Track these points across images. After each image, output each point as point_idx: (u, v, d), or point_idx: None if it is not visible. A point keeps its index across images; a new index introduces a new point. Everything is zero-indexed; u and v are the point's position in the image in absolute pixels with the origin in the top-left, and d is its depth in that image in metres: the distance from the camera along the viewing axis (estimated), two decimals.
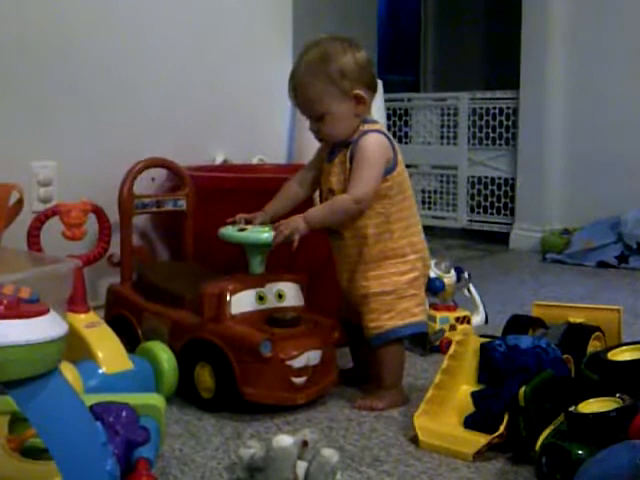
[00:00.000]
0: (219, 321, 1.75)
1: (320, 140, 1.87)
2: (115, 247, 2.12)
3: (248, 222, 1.86)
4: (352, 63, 1.78)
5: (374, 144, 1.78)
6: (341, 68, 1.77)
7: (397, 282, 1.81)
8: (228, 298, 1.76)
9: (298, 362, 1.71)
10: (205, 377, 1.74)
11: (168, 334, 1.85)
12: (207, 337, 1.75)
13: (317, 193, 2.07)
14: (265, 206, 1.91)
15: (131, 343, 1.87)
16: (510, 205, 4.21)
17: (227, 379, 1.71)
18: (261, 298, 1.80)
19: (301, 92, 1.81)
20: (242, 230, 1.82)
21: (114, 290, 2.09)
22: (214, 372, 1.73)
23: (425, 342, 2.21)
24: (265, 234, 1.79)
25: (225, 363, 1.71)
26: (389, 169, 1.78)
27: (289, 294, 1.85)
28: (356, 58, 1.79)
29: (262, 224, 1.85)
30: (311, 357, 1.74)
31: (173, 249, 2.50)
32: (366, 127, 1.81)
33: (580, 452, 1.32)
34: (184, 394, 1.79)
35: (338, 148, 1.82)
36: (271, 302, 1.82)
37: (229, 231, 1.82)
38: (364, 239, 1.80)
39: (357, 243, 1.81)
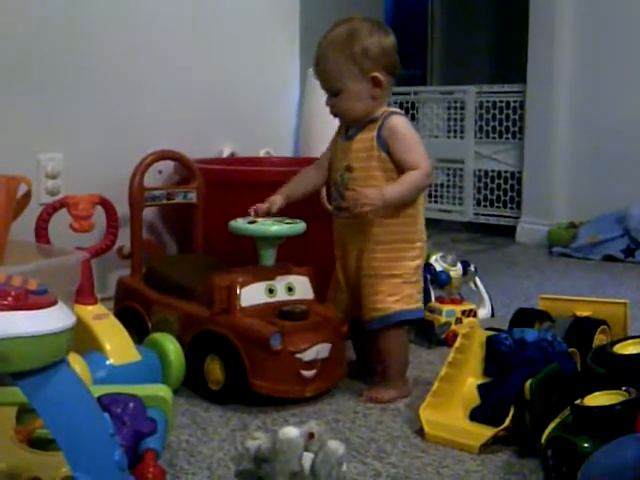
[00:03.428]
0: (229, 313, 1.75)
1: (335, 116, 1.88)
2: (125, 239, 2.13)
3: (269, 212, 1.87)
4: (377, 45, 1.80)
5: (407, 124, 1.83)
6: (365, 48, 1.78)
7: (406, 267, 1.82)
8: (238, 291, 1.76)
9: (307, 355, 1.72)
10: (214, 369, 1.75)
11: (178, 326, 1.86)
12: (217, 329, 1.75)
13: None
14: (280, 189, 1.92)
15: (141, 335, 1.88)
16: (517, 198, 4.19)
17: (236, 371, 1.71)
18: (271, 291, 1.80)
19: (322, 65, 1.83)
20: (252, 222, 1.82)
21: (124, 282, 2.10)
22: (224, 364, 1.73)
23: (431, 335, 2.21)
24: (275, 226, 1.80)
25: (235, 355, 1.71)
26: None
27: (299, 287, 1.85)
28: (382, 41, 1.81)
29: (274, 216, 1.86)
30: (320, 350, 1.74)
31: (181, 242, 2.51)
32: (390, 109, 1.85)
33: (586, 445, 1.32)
34: (193, 386, 1.80)
35: (359, 126, 1.84)
36: (281, 295, 1.81)
37: (239, 224, 1.82)
38: (389, 219, 1.80)
39: (374, 223, 1.80)
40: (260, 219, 1.84)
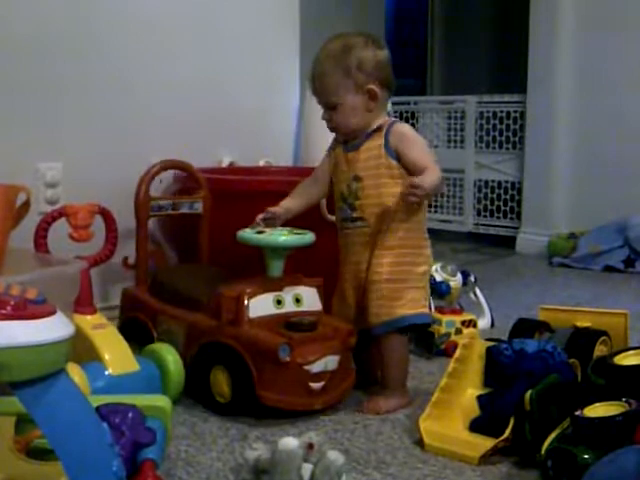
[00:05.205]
0: (237, 325, 1.73)
1: (332, 130, 1.89)
2: (130, 249, 2.12)
3: (269, 221, 1.87)
4: (371, 58, 1.82)
5: (413, 130, 1.87)
6: (359, 61, 1.80)
7: (411, 272, 1.83)
8: (246, 302, 1.73)
9: (316, 367, 1.70)
10: (221, 381, 1.73)
11: (184, 337, 1.84)
12: (224, 341, 1.73)
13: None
14: (281, 203, 1.92)
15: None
16: (517, 209, 4.20)
17: (244, 383, 1.69)
18: (279, 302, 1.78)
19: (318, 80, 1.85)
20: (260, 233, 1.81)
21: (129, 293, 2.08)
22: (230, 376, 1.71)
23: (431, 345, 2.21)
24: (283, 237, 1.78)
25: (242, 367, 1.69)
26: None
27: (307, 298, 1.83)
28: (376, 54, 1.83)
29: (281, 226, 1.86)
30: (329, 362, 1.72)
31: (180, 252, 2.50)
32: (392, 118, 1.88)
33: (586, 456, 1.32)
34: (199, 398, 1.79)
35: (364, 136, 1.85)
36: (289, 306, 1.80)
37: (247, 234, 1.81)
38: (396, 224, 1.81)
39: (383, 229, 1.81)
40: (268, 229, 1.83)
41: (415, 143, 1.83)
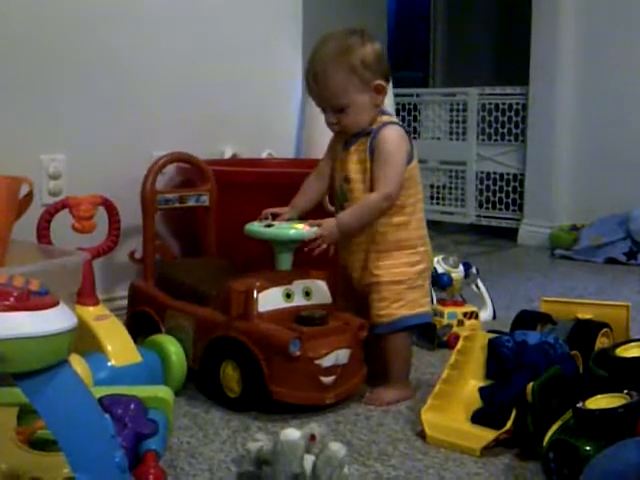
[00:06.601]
0: (246, 319, 1.71)
1: (338, 132, 1.87)
2: (137, 243, 2.12)
3: (276, 217, 1.85)
4: (372, 54, 1.80)
5: (396, 137, 1.81)
6: (362, 59, 1.78)
7: (408, 272, 1.82)
8: (255, 295, 1.72)
9: (327, 361, 1.68)
10: (231, 376, 1.71)
11: (193, 332, 1.82)
12: (234, 335, 1.71)
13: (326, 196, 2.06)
14: (292, 201, 1.91)
15: None
16: (519, 201, 4.20)
17: (254, 378, 1.68)
18: (288, 296, 1.76)
19: (322, 83, 1.80)
20: (269, 226, 1.79)
21: (137, 287, 2.06)
22: (241, 371, 1.70)
23: (433, 337, 2.21)
24: (292, 230, 1.77)
25: (252, 362, 1.68)
26: (407, 161, 1.81)
27: (316, 292, 1.81)
28: (374, 49, 1.81)
29: (289, 220, 1.84)
30: (340, 356, 1.71)
31: (184, 245, 2.49)
32: (385, 119, 1.84)
33: (588, 448, 1.32)
34: (209, 393, 1.78)
35: (355, 136, 1.83)
36: (298, 300, 1.78)
37: (255, 227, 1.80)
38: (381, 228, 1.81)
39: (373, 232, 1.81)
40: (276, 222, 1.82)
41: (384, 154, 1.78)
